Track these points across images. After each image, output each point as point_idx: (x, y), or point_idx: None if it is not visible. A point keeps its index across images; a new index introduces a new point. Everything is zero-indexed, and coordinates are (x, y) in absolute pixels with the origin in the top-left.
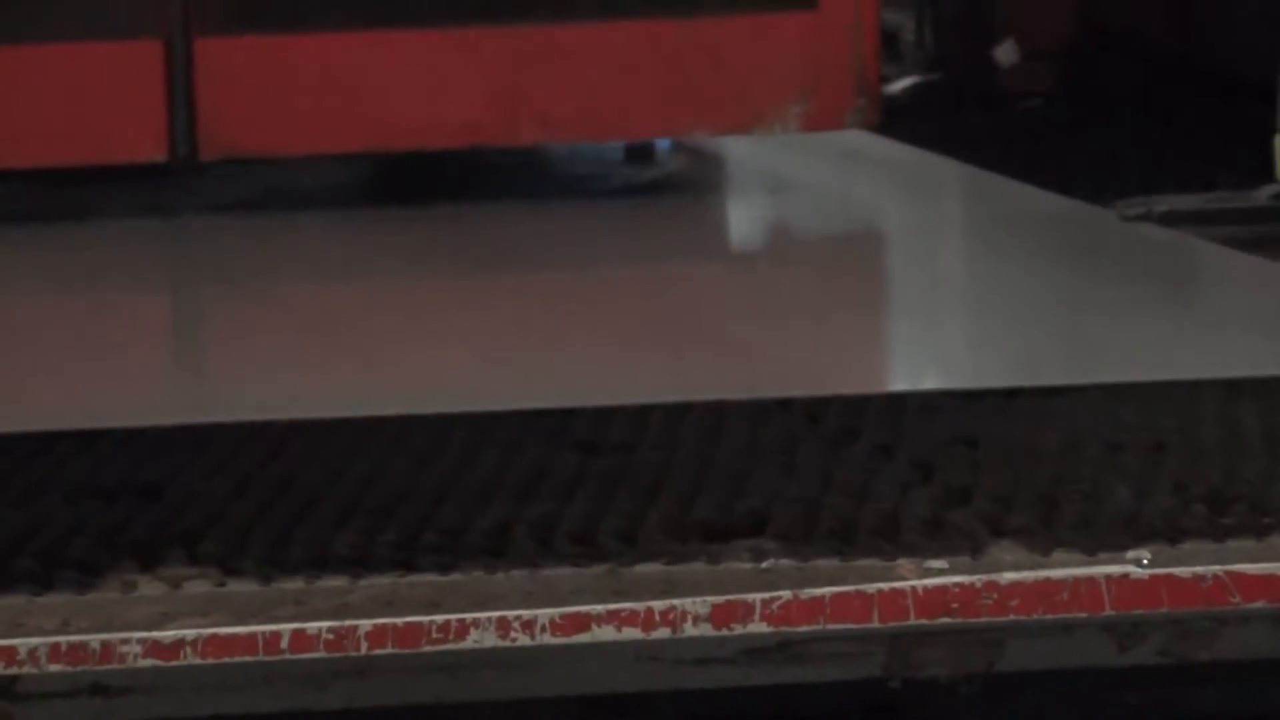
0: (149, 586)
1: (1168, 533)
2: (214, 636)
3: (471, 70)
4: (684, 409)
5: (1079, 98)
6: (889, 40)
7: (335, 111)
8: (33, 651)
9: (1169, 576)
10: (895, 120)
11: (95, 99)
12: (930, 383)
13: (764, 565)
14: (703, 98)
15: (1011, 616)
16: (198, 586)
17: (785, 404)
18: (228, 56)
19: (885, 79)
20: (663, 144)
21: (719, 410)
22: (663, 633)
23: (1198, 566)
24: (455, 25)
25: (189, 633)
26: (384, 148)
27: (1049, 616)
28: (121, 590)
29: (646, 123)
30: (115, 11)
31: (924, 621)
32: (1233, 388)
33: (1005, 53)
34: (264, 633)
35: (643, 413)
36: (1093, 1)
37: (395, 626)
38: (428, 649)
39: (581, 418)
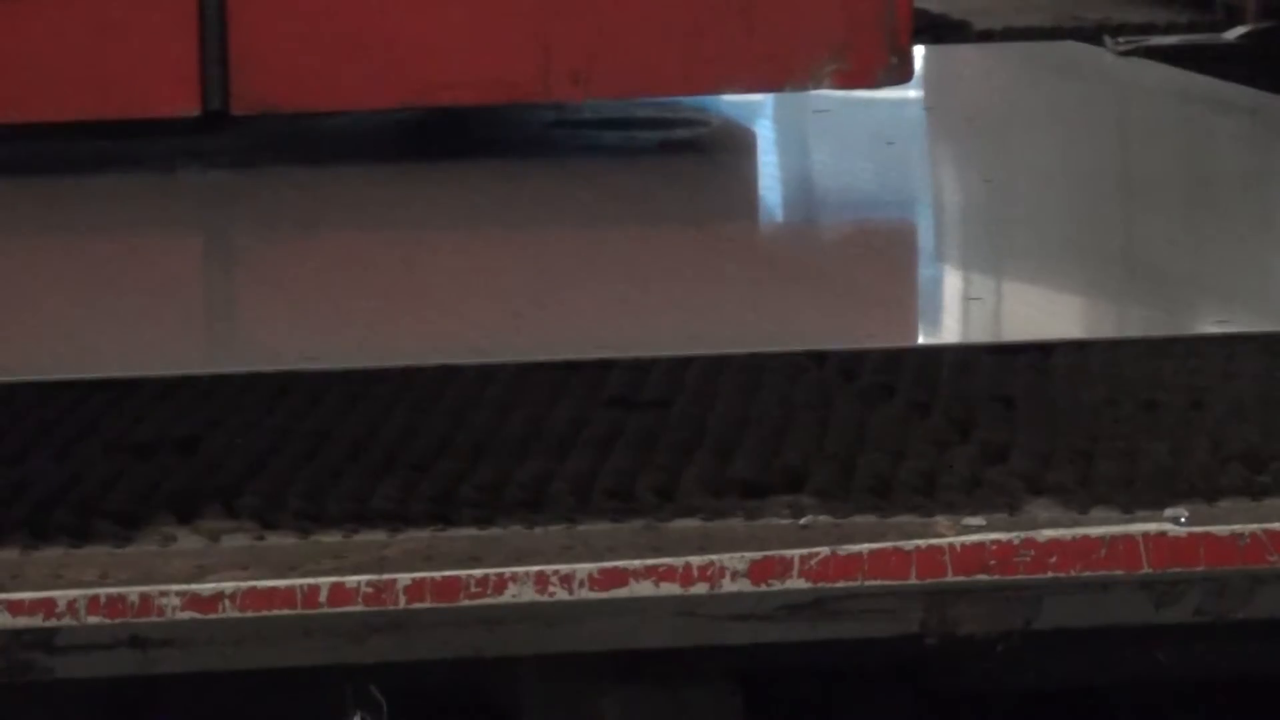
0: (187, 540)
1: (1205, 491)
2: (252, 590)
3: (505, 26)
4: (720, 365)
5: None
6: None
7: (367, 67)
8: (71, 603)
9: (1206, 535)
10: (1228, 65)
11: (127, 53)
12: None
13: (802, 522)
14: (735, 56)
15: (1049, 574)
16: (236, 540)
17: (820, 360)
18: (262, 13)
19: (1214, 27)
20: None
21: (755, 366)
22: (700, 588)
23: (1235, 525)
24: None
25: (227, 585)
26: (417, 103)
27: (1086, 574)
28: (160, 543)
29: (678, 80)
30: None
31: (961, 579)
32: (1271, 342)
33: None
34: (302, 586)
35: (678, 368)
36: None
37: (433, 580)
38: (465, 603)
39: (618, 372)
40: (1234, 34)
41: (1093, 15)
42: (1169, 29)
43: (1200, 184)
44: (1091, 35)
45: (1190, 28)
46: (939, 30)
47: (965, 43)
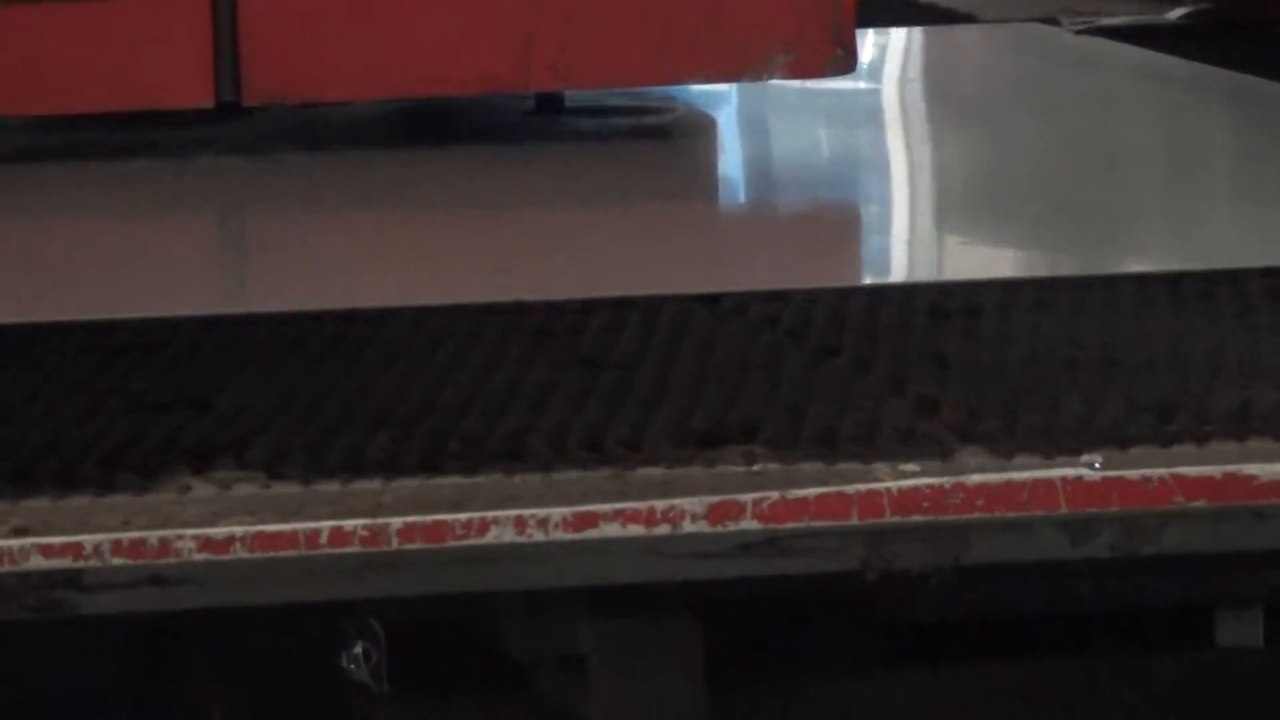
0: (201, 489)
1: (1118, 439)
2: (260, 533)
3: (490, 25)
4: (682, 326)
5: None
6: None
7: (366, 62)
8: (97, 547)
9: (1119, 479)
10: (1172, 42)
11: (148, 50)
12: None
13: (755, 469)
14: (698, 50)
15: (976, 515)
16: (245, 489)
17: (773, 324)
18: (269, 12)
19: (1162, 6)
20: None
21: (714, 330)
22: (663, 529)
23: (1145, 470)
24: None
25: (238, 530)
26: (411, 94)
27: (1010, 514)
28: (177, 492)
29: (647, 72)
30: None
31: (898, 519)
32: (1180, 301)
33: None
34: (305, 530)
35: (645, 332)
36: None
37: (423, 524)
38: (452, 544)
39: (589, 335)
40: (1175, 14)
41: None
42: (1118, 11)
43: (1142, 147)
44: (1049, 19)
45: (1138, 10)
46: (941, 17)
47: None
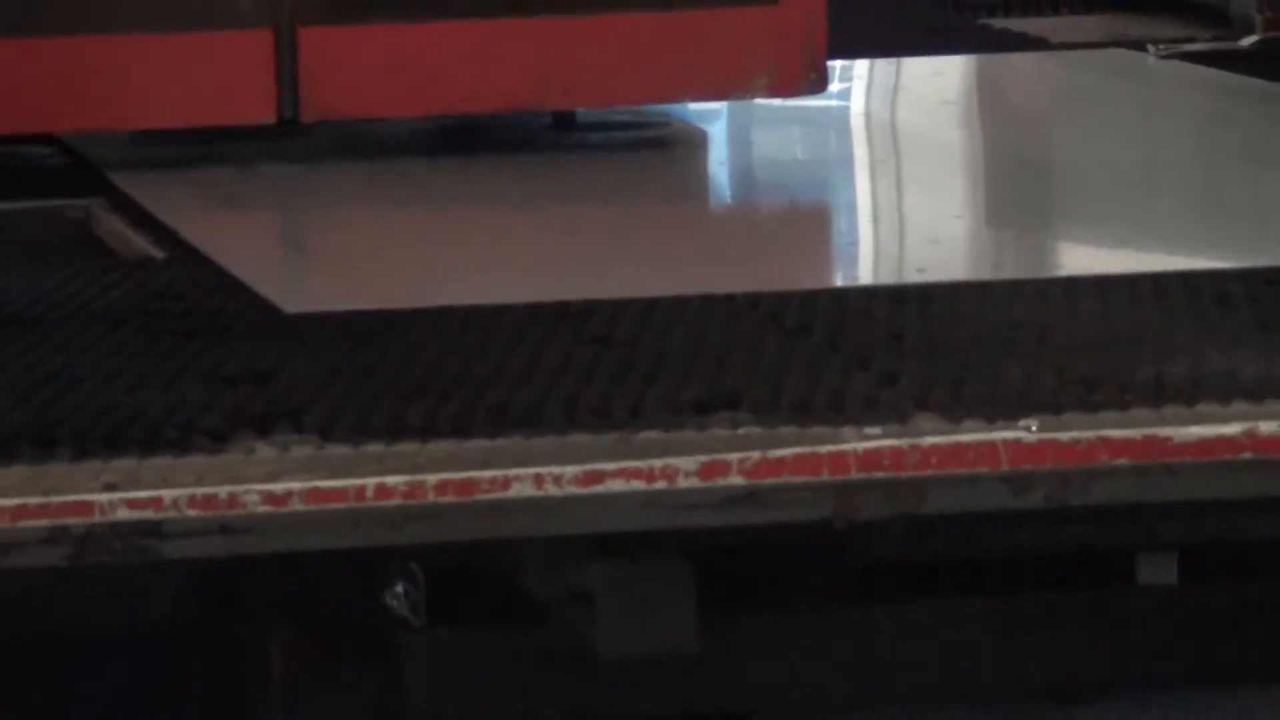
0: (264, 450)
1: (1051, 406)
2: (315, 489)
3: (511, 51)
4: (678, 310)
5: None
6: (1216, 12)
7: (407, 83)
8: (175, 500)
9: (1052, 440)
10: (1246, 65)
11: (221, 75)
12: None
13: (739, 432)
14: (688, 72)
15: (930, 471)
16: (302, 450)
17: (754, 305)
18: (323, 42)
19: (1226, 38)
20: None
21: (704, 313)
22: (660, 485)
23: (1074, 432)
24: (498, 17)
25: (295, 485)
26: (445, 111)
27: (959, 471)
28: (243, 453)
29: (645, 91)
30: (237, 7)
31: (863, 475)
32: (1103, 287)
33: None
34: (353, 485)
35: (645, 314)
36: None
37: (455, 480)
38: (479, 498)
39: (597, 318)
40: (1247, 41)
41: (1134, 32)
42: (1197, 39)
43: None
44: (1137, 46)
45: (1214, 39)
46: (1025, 43)
47: (1041, 51)
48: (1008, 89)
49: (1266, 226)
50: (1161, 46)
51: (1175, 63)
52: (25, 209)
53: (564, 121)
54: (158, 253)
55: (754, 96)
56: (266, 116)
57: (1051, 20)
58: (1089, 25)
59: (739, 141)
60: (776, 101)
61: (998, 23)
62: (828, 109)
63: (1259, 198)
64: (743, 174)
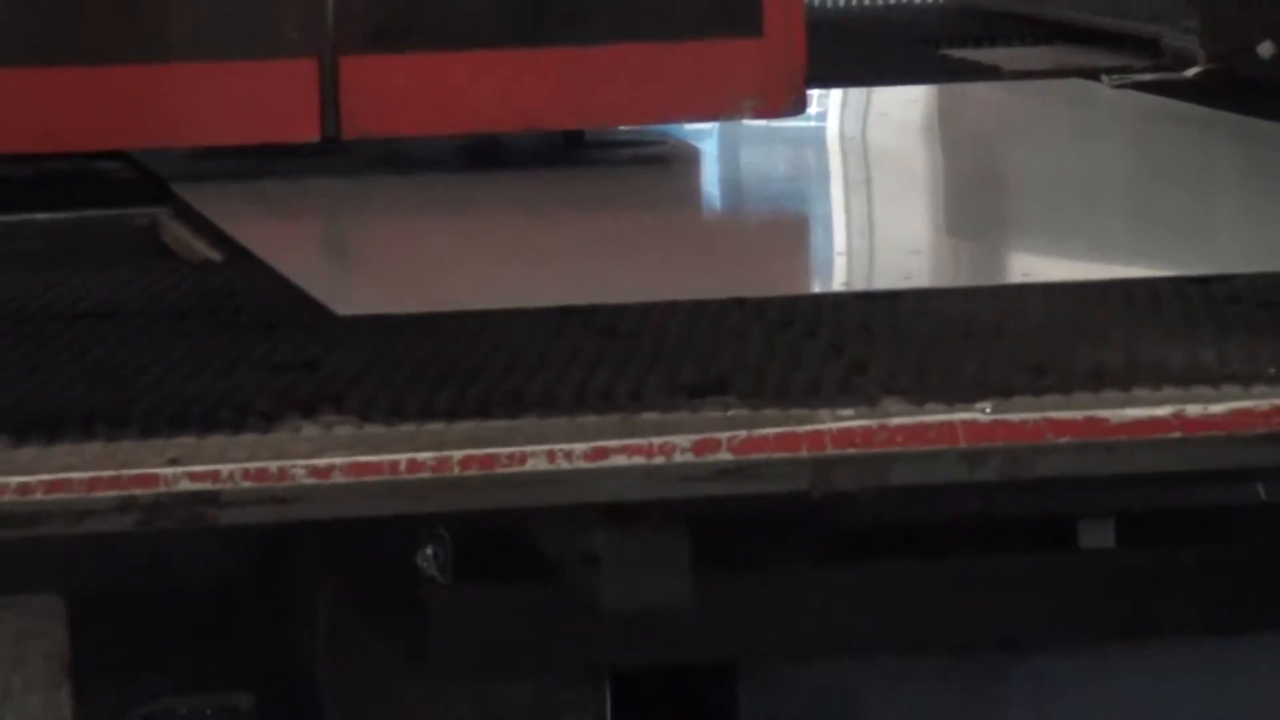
0: (310, 430)
1: (1003, 391)
2: (354, 463)
3: (529, 78)
4: (672, 308)
5: None
6: (1150, 44)
7: (437, 105)
8: (231, 473)
9: (1004, 421)
10: (1188, 93)
11: (271, 97)
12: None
13: (729, 413)
14: (684, 96)
15: (897, 448)
16: (343, 429)
17: (741, 304)
18: (361, 69)
19: (1172, 68)
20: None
21: (697, 309)
22: (659, 460)
23: (1023, 414)
24: (517, 48)
25: (337, 460)
26: (470, 131)
27: (921, 448)
28: (291, 432)
29: (644, 113)
30: (286, 39)
31: (836, 451)
32: (1050, 290)
33: (1264, 49)
34: (388, 460)
35: (645, 311)
36: None
37: (478, 456)
38: (499, 471)
39: (604, 313)
40: (1191, 72)
41: (1080, 62)
42: (1134, 68)
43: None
44: (1091, 75)
45: (1153, 68)
46: (991, 73)
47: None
48: (978, 114)
49: (1196, 238)
50: (1115, 76)
51: (1128, 91)
52: (99, 217)
53: (574, 140)
54: (217, 256)
55: (742, 118)
56: (311, 135)
57: (1006, 51)
58: (1039, 56)
59: (729, 158)
60: (761, 122)
61: (956, 53)
62: (807, 129)
63: (1193, 213)
64: (732, 187)
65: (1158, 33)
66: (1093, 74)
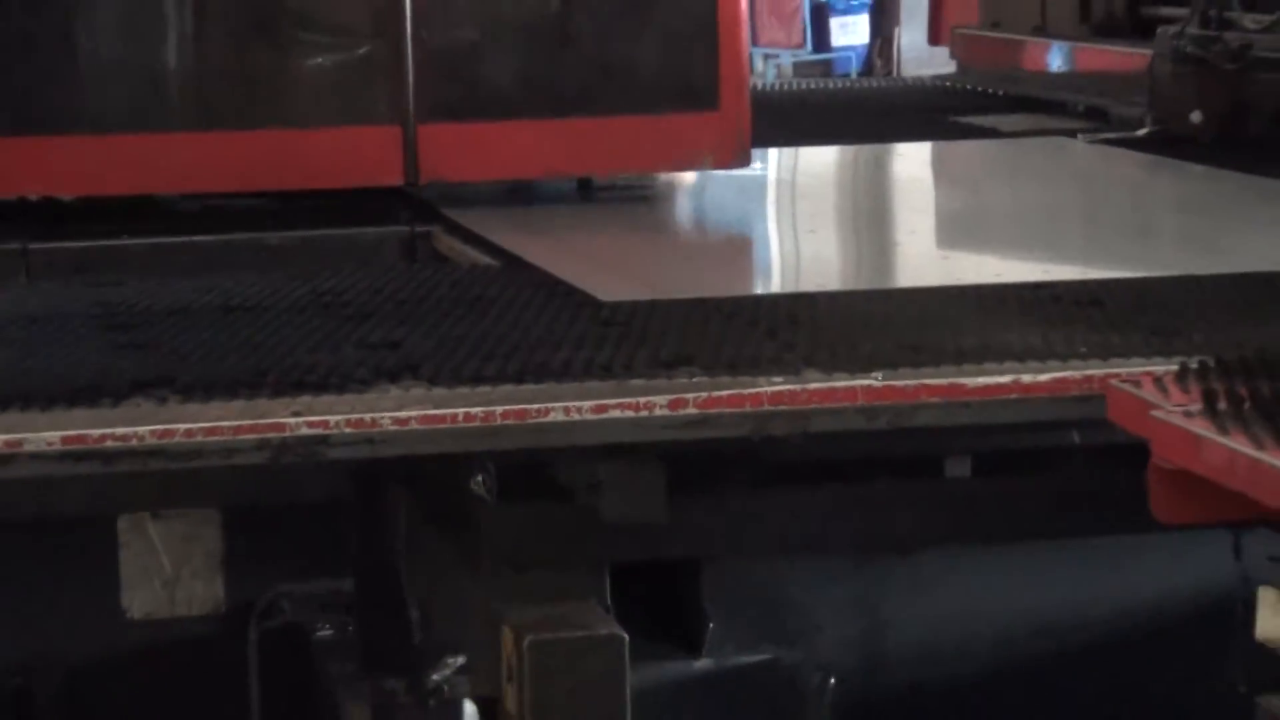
0: (394, 391)
1: (892, 364)
2: (426, 414)
3: (554, 140)
4: (653, 305)
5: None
6: (1102, 113)
7: (485, 158)
8: (337, 423)
9: (890, 386)
10: (1141, 146)
11: (372, 153)
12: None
13: (694, 380)
14: (663, 153)
15: (814, 405)
16: (418, 390)
17: (703, 302)
18: (433, 133)
19: (1124, 130)
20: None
21: (671, 305)
22: (644, 414)
23: (904, 380)
24: (544, 119)
25: (414, 413)
26: (510, 176)
27: (832, 405)
28: (379, 393)
29: (636, 165)
30: (381, 113)
31: (771, 408)
32: (926, 292)
33: (1194, 116)
34: (449, 413)
35: (633, 306)
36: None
37: (514, 409)
38: (529, 421)
39: (606, 309)
40: (1142, 132)
41: (1053, 126)
42: (1108, 131)
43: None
44: (1069, 134)
45: (1117, 130)
46: (988, 133)
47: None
48: (979, 163)
49: (1067, 252)
50: (1087, 135)
51: (1098, 145)
52: (393, 232)
53: (585, 184)
54: (487, 259)
55: (704, 168)
56: (397, 180)
57: (996, 117)
58: (1021, 121)
59: (695, 195)
60: (719, 172)
61: (963, 119)
62: (751, 175)
63: (1082, 232)
64: (698, 216)
65: (1106, 105)
66: (1070, 134)
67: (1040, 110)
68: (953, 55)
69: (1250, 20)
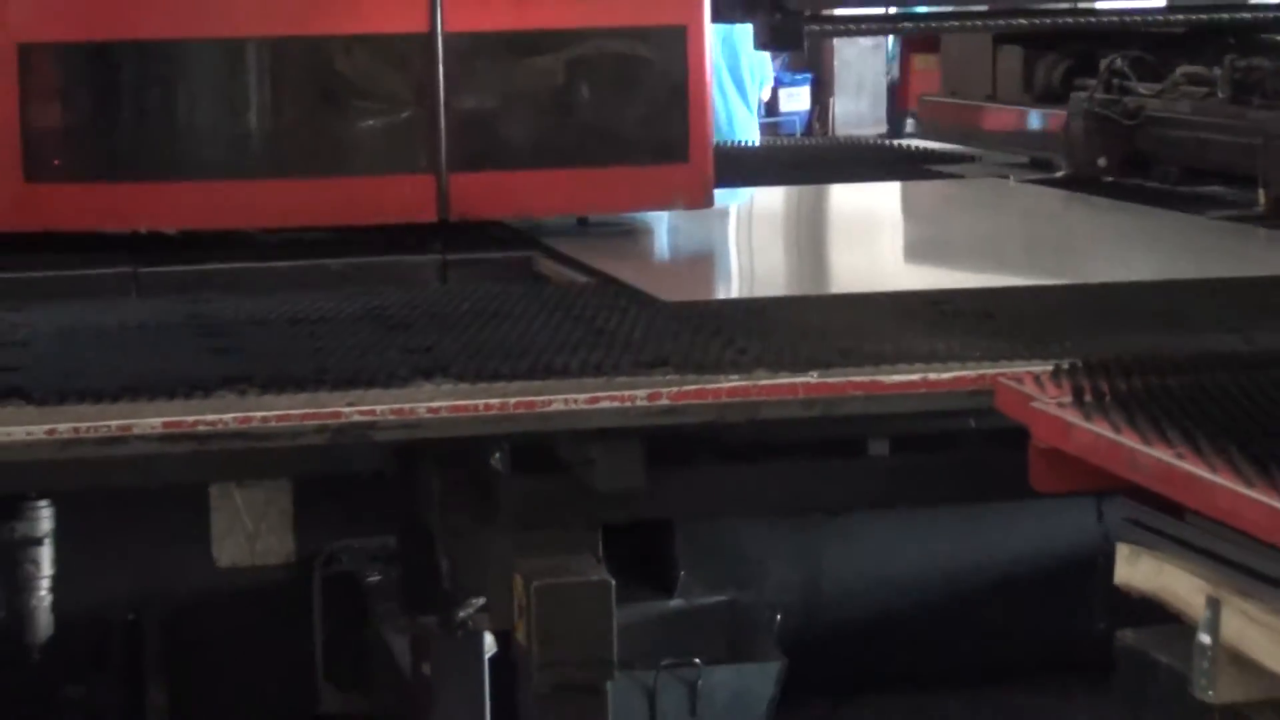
0: (427, 386)
1: (827, 364)
2: (454, 405)
3: (557, 186)
4: (638, 316)
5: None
6: (1043, 164)
7: (503, 200)
8: (382, 411)
9: (824, 382)
10: (1061, 185)
11: (409, 196)
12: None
13: (669, 377)
14: (643, 196)
15: (762, 398)
16: (446, 385)
17: (666, 307)
18: (461, 180)
19: (1053, 171)
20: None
21: (653, 314)
22: (629, 404)
23: (835, 378)
24: (550, 169)
25: (444, 403)
26: (522, 216)
27: (779, 398)
28: (414, 387)
29: (620, 205)
30: (419, 163)
31: (728, 399)
32: (858, 300)
33: (1101, 162)
34: (473, 404)
35: (622, 313)
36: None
37: (525, 400)
38: (537, 410)
39: (600, 317)
40: (1059, 174)
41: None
42: (1035, 171)
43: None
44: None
45: (1039, 172)
46: (933, 175)
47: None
48: (917, 201)
49: (975, 270)
50: (1017, 179)
51: (1026, 184)
52: (500, 257)
53: (583, 220)
54: (583, 278)
55: (675, 209)
56: (432, 217)
57: (957, 165)
58: (963, 168)
59: (670, 230)
60: (687, 211)
61: (928, 166)
62: (716, 212)
63: (989, 251)
64: (673, 245)
65: (1045, 155)
66: (1004, 175)
67: (983, 160)
68: (917, 117)
69: (1143, 88)
